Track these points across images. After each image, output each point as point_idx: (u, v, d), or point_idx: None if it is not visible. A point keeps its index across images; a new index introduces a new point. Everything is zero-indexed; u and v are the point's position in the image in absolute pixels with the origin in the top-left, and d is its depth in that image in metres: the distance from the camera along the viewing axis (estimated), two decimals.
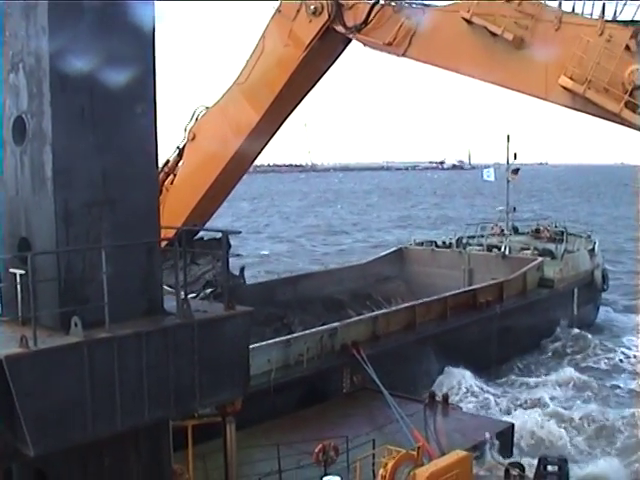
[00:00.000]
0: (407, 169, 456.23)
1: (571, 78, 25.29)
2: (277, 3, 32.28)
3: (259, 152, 36.21)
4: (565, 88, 25.70)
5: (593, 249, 50.88)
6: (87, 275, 12.51)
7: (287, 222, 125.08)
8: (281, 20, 31.98)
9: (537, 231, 53.86)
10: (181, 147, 34.82)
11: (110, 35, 12.71)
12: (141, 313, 13.12)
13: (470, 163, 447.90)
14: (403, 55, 29.90)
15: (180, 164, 34.98)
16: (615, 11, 25.54)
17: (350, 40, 31.39)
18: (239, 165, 34.62)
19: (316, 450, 20.54)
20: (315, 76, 33.38)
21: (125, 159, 13.06)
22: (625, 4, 25.31)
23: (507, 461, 23.75)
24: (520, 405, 32.55)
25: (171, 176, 34.85)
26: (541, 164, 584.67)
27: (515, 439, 26.46)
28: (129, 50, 13.08)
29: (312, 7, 30.77)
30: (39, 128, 12.46)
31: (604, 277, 50.24)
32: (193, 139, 34.03)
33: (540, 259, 44.33)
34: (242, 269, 39.21)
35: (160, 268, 13.72)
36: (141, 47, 13.33)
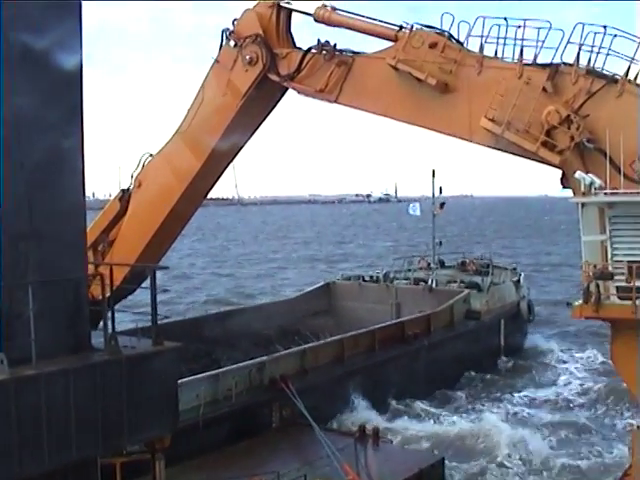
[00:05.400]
0: (333, 202, 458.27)
1: (492, 120, 25.91)
2: (216, 54, 32.90)
3: (204, 197, 36.61)
4: (486, 129, 26.33)
5: (518, 281, 51.76)
6: (13, 311, 12.33)
7: None
8: (219, 70, 32.72)
9: (463, 264, 54.59)
10: (127, 193, 35.08)
11: (35, 75, 12.65)
12: (69, 349, 12.96)
13: (397, 196, 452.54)
14: (335, 101, 30.75)
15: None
16: (535, 54, 26.24)
17: (287, 88, 32.14)
18: (185, 210, 34.97)
19: None
20: (254, 123, 34.01)
21: (53, 194, 12.94)
22: (541, 48, 26.00)
23: None
24: (449, 436, 32.73)
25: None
26: (466, 196, 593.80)
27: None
28: (55, 87, 13.02)
29: (248, 57, 31.55)
30: None
31: (530, 308, 51.06)
32: (139, 186, 34.33)
33: (466, 291, 44.90)
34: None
35: (87, 303, 13.60)
36: (68, 85, 13.27)
